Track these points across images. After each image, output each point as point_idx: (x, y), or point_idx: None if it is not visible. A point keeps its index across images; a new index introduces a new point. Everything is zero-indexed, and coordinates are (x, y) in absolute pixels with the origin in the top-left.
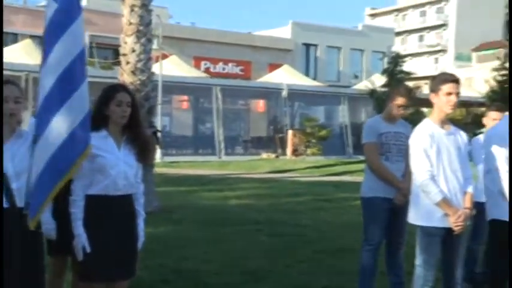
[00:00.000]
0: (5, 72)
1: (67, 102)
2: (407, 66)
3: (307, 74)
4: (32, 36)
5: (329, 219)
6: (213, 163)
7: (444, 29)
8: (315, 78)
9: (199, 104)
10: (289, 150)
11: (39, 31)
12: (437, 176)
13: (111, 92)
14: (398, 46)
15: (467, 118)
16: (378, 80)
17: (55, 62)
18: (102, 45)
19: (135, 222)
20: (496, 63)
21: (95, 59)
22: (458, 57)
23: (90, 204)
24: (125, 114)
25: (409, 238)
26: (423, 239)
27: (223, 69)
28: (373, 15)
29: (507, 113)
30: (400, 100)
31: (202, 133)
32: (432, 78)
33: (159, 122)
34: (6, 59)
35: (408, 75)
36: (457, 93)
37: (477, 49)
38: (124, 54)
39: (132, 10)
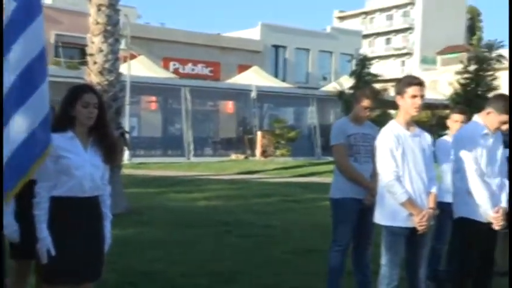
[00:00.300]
0: None
1: (27, 102)
2: (374, 68)
3: (276, 75)
4: None
5: (297, 220)
6: (182, 164)
7: (410, 33)
8: (284, 80)
9: (168, 105)
10: (258, 151)
11: None
12: (403, 176)
13: (77, 92)
14: (366, 49)
15: (433, 120)
16: (346, 82)
17: (15, 60)
18: (69, 44)
19: (101, 224)
20: (460, 67)
21: (61, 59)
22: (424, 61)
23: (55, 206)
24: (91, 115)
25: (376, 238)
26: (388, 238)
27: (193, 70)
28: (341, 18)
29: (476, 116)
30: (366, 102)
31: (171, 134)
32: (398, 81)
33: (127, 123)
34: None
35: (375, 78)
36: (422, 96)
37: (441, 52)
38: (91, 54)
39: (99, 9)
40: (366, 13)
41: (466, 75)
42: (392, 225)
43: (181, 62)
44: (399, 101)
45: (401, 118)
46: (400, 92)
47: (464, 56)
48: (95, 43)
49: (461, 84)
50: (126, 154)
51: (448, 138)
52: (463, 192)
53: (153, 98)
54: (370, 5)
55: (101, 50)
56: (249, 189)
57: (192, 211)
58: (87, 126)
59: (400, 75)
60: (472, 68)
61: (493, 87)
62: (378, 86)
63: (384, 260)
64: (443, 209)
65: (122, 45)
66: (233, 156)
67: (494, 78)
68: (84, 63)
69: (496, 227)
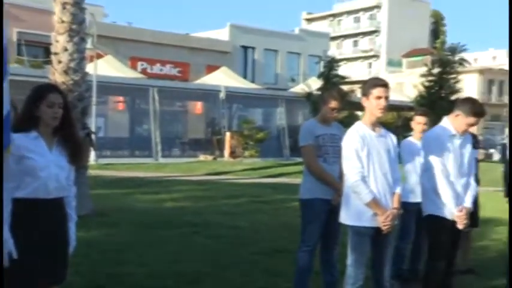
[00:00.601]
0: None
1: None
2: (342, 70)
3: (245, 76)
4: None
5: (266, 220)
6: (150, 165)
7: (377, 35)
8: (252, 81)
9: (136, 105)
10: (226, 152)
11: None
12: (368, 177)
13: (42, 92)
14: (334, 51)
15: (398, 121)
16: (314, 84)
17: None
18: (32, 42)
19: (66, 226)
20: (424, 69)
21: (24, 57)
22: (390, 63)
23: (18, 208)
24: (56, 115)
25: (343, 238)
26: (353, 238)
27: (161, 70)
28: (309, 20)
29: (445, 118)
30: (333, 103)
31: (139, 135)
32: (363, 83)
33: (93, 123)
34: None
35: (343, 79)
36: (386, 97)
37: (407, 55)
38: (55, 53)
39: (64, 8)
40: (334, 15)
41: (430, 78)
42: (358, 225)
43: (149, 62)
44: (365, 102)
45: (366, 119)
46: (365, 93)
47: (428, 59)
48: (60, 42)
49: (426, 87)
50: (92, 155)
51: (412, 139)
52: (431, 191)
53: (121, 98)
54: (338, 8)
55: (66, 49)
56: (217, 190)
57: (160, 212)
58: (52, 126)
59: (367, 77)
60: (436, 70)
61: (455, 90)
62: (345, 87)
63: (349, 260)
64: (407, 209)
65: (88, 45)
66: (201, 157)
67: (457, 81)
68: (49, 62)
69: (460, 226)
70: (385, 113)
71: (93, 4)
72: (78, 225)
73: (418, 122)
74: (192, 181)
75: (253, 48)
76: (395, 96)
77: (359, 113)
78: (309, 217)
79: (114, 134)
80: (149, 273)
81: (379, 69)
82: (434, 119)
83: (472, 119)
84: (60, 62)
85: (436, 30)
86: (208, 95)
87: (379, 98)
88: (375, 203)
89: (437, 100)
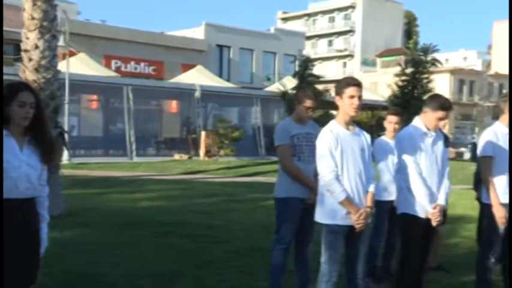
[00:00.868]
0: None
1: None
2: (317, 69)
3: (220, 75)
4: None
5: (240, 219)
6: (124, 164)
7: (351, 35)
8: (228, 80)
9: (110, 104)
10: (202, 151)
11: None
12: (342, 175)
13: (13, 91)
14: (309, 50)
15: (372, 121)
16: (289, 83)
17: None
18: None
19: (38, 226)
20: (398, 69)
21: None
22: (364, 63)
23: None
24: (27, 115)
25: (317, 237)
26: (328, 236)
27: (135, 68)
28: (284, 19)
29: (416, 117)
30: (308, 102)
31: (113, 134)
32: (337, 82)
33: (66, 122)
34: None
35: (318, 79)
36: (360, 97)
37: (381, 55)
38: (26, 50)
39: (34, 4)
40: (309, 15)
41: (403, 78)
42: (332, 223)
43: (124, 60)
44: (338, 101)
45: (340, 118)
46: (339, 92)
47: (402, 59)
48: (30, 39)
49: (399, 86)
50: (65, 154)
51: (384, 138)
52: (405, 190)
53: (94, 97)
54: (313, 7)
55: (36, 46)
56: (192, 189)
57: (134, 212)
58: (23, 126)
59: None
60: (409, 70)
61: (428, 89)
62: (320, 86)
63: (323, 257)
64: (380, 207)
65: (60, 42)
66: (176, 156)
67: (430, 81)
68: (19, 59)
69: (434, 223)
70: (359, 112)
71: (65, 1)
72: (51, 225)
73: (390, 121)
74: (167, 180)
75: (228, 47)
76: (369, 95)
77: (334, 112)
78: (284, 216)
79: (87, 133)
80: (123, 274)
81: (353, 68)
82: (407, 118)
83: (440, 113)
84: (31, 59)
85: (409, 31)
86: (183, 93)
87: (352, 97)
88: (348, 201)
89: (410, 99)
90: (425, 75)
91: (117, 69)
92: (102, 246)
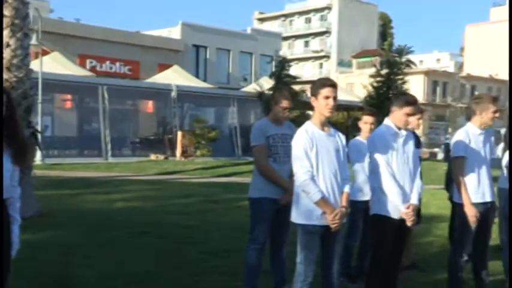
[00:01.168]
0: None
1: None
2: (294, 70)
3: (197, 75)
4: None
5: (217, 220)
6: (99, 165)
7: (327, 36)
8: (204, 80)
9: (85, 103)
10: (178, 151)
11: None
12: (317, 176)
13: None
14: (286, 50)
15: (348, 121)
16: (266, 83)
17: None
18: None
19: (9, 229)
20: (373, 70)
21: None
22: (340, 64)
23: None
24: None
25: (293, 237)
26: (303, 236)
27: (111, 68)
28: (261, 20)
29: (386, 118)
30: (284, 103)
31: (88, 134)
32: (312, 83)
33: (39, 121)
34: None
35: (294, 79)
36: (335, 97)
37: (356, 56)
38: None
39: (5, 1)
40: (285, 16)
41: (378, 79)
42: (307, 223)
43: (99, 59)
44: (314, 102)
45: (316, 119)
46: (314, 93)
47: (377, 60)
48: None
49: (374, 87)
50: (38, 154)
51: (359, 138)
52: (378, 191)
53: (68, 96)
54: (290, 8)
55: (8, 45)
56: (168, 190)
57: (109, 213)
58: None
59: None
60: (384, 71)
61: (403, 90)
62: (296, 87)
63: (299, 258)
64: (355, 207)
65: (33, 41)
66: (153, 157)
67: (404, 82)
68: None
69: (409, 223)
70: (334, 113)
71: None
72: (23, 227)
73: (366, 122)
74: (143, 181)
75: (205, 47)
76: (345, 96)
77: (310, 112)
78: (258, 216)
79: (61, 133)
80: (97, 275)
81: (329, 69)
82: (382, 119)
83: (406, 109)
84: (2, 58)
85: (384, 32)
86: (159, 93)
87: (327, 97)
88: (323, 201)
89: (385, 100)
90: (400, 77)
91: (92, 69)
92: (76, 247)
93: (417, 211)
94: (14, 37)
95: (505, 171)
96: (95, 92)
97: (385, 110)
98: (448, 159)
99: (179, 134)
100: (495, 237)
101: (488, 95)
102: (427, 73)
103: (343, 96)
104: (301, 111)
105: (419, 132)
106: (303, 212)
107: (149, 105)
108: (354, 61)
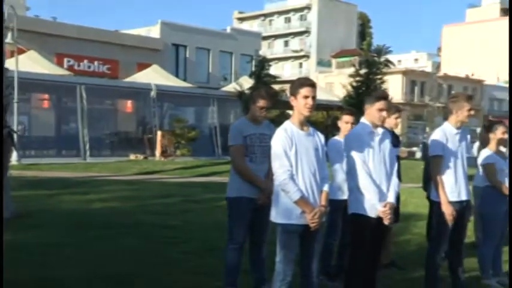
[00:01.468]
0: None
1: None
2: (273, 69)
3: (176, 74)
4: None
5: (197, 219)
6: (78, 165)
7: (307, 36)
8: (184, 79)
9: (62, 103)
10: (158, 151)
11: None
12: (296, 175)
13: None
14: (266, 50)
15: (328, 121)
16: (246, 83)
17: None
18: None
19: None
20: (352, 70)
21: None
22: (320, 63)
23: None
24: None
25: (273, 236)
26: (282, 236)
27: (89, 67)
28: (240, 19)
29: (362, 118)
30: (262, 102)
31: (66, 134)
32: (292, 83)
33: (15, 121)
34: None
35: (274, 79)
36: (314, 97)
37: (336, 56)
38: None
39: None
40: (265, 15)
41: (357, 78)
42: (287, 222)
43: (77, 58)
44: (293, 101)
45: (295, 118)
46: (293, 93)
47: (356, 59)
48: None
49: (354, 87)
50: (14, 155)
51: (338, 138)
52: (355, 190)
53: (45, 96)
54: (269, 8)
55: None
56: (148, 190)
57: (88, 213)
58: None
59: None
60: (363, 71)
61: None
62: (276, 87)
63: (278, 256)
64: (334, 206)
65: (8, 39)
66: (132, 157)
67: (383, 82)
68: None
69: (386, 221)
70: (313, 112)
71: None
72: None
73: (345, 121)
74: (122, 181)
75: (184, 46)
76: (325, 96)
77: (290, 112)
78: (236, 215)
79: (38, 132)
80: (76, 276)
81: (309, 69)
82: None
83: (377, 104)
84: None
85: (363, 32)
86: (138, 93)
87: (306, 97)
88: (303, 201)
89: (364, 100)
90: (379, 76)
91: (70, 68)
92: (54, 248)
93: (396, 209)
94: None
95: (481, 169)
96: (73, 92)
97: (363, 110)
98: (425, 158)
99: (159, 133)
100: (470, 234)
101: (463, 93)
102: (405, 73)
103: (322, 95)
104: (280, 110)
105: (397, 131)
106: (283, 211)
107: (128, 105)
108: (334, 61)
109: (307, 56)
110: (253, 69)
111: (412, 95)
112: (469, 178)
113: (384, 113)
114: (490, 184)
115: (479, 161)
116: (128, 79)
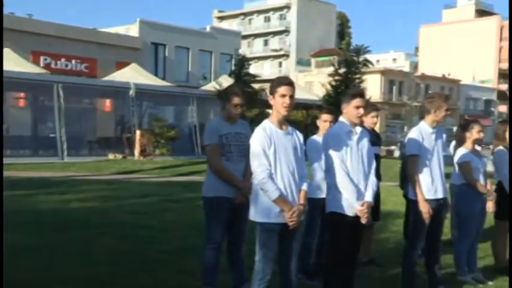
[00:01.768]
0: None
1: None
2: (253, 69)
3: (156, 73)
4: None
5: (176, 219)
6: (55, 164)
7: (287, 35)
8: (163, 78)
9: (39, 102)
10: (137, 150)
11: None
12: (275, 174)
13: None
14: (245, 49)
15: (307, 120)
16: (226, 82)
17: None
18: None
19: None
20: (332, 69)
21: None
22: (299, 62)
23: None
24: None
25: (252, 235)
26: (262, 234)
27: (66, 65)
28: (220, 18)
29: (340, 117)
30: (236, 99)
31: (43, 133)
32: (271, 82)
33: None
34: None
35: (254, 78)
36: (291, 96)
37: (315, 55)
38: None
39: None
40: (245, 14)
41: (337, 78)
42: (266, 221)
43: (53, 56)
44: (271, 100)
45: (274, 117)
46: (271, 92)
47: (335, 59)
48: None
49: (333, 86)
50: None
51: (317, 137)
52: (333, 188)
53: (21, 95)
54: (249, 7)
55: None
56: (127, 190)
57: (65, 213)
58: None
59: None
60: (342, 70)
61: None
62: (256, 86)
63: (258, 255)
64: (313, 205)
65: None
66: (110, 156)
67: (362, 81)
68: None
69: (363, 220)
70: (292, 111)
71: None
72: None
73: (325, 120)
74: (100, 180)
75: (164, 45)
76: (304, 95)
77: (270, 111)
78: (213, 215)
79: (14, 132)
80: (55, 278)
81: (289, 68)
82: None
83: (354, 101)
84: None
85: (342, 32)
86: (117, 92)
87: (284, 96)
88: (281, 199)
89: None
90: (358, 76)
91: (47, 66)
92: (32, 250)
93: (376, 208)
94: None
95: (457, 168)
96: (50, 90)
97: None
98: (402, 157)
99: (138, 133)
100: (446, 232)
101: (440, 93)
102: (384, 72)
103: (302, 94)
104: (260, 109)
105: (376, 130)
106: (261, 210)
107: (107, 104)
108: (313, 60)
109: (286, 55)
110: (233, 68)
111: (390, 95)
112: (446, 176)
113: (361, 110)
114: (465, 182)
115: (455, 159)
116: (107, 78)
